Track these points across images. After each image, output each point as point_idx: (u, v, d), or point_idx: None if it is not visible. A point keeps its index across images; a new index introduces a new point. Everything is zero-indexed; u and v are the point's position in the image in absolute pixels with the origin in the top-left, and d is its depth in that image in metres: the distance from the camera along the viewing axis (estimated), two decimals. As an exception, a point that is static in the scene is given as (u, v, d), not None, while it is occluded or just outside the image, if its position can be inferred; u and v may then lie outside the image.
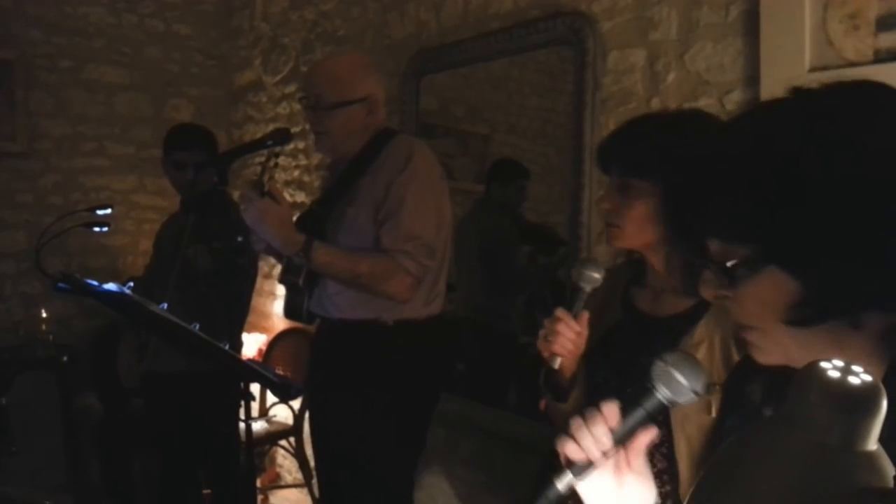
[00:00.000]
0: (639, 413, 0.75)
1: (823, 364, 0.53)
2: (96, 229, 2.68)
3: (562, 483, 0.76)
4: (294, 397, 2.83)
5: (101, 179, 3.95)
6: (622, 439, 0.76)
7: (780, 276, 0.63)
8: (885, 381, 0.59)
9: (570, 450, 0.76)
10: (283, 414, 3.48)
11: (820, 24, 1.62)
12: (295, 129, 2.27)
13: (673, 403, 0.75)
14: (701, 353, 1.13)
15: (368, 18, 3.15)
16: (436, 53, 2.75)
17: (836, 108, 0.64)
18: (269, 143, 1.91)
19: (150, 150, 4.06)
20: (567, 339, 1.16)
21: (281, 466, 3.83)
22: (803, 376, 0.54)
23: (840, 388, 0.51)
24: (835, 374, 0.52)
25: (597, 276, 1.17)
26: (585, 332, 1.18)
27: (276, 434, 3.41)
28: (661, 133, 1.21)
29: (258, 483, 3.56)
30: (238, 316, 2.60)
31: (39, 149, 3.77)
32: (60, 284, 1.80)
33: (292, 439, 3.41)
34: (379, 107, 1.98)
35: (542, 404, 1.03)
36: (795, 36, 1.65)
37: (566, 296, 1.20)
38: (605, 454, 0.75)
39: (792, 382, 0.55)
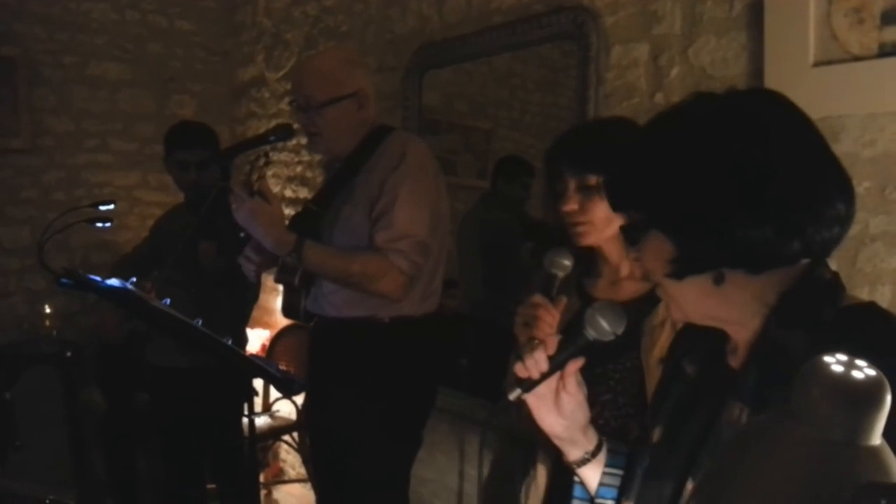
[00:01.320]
0: (571, 347, 0.96)
1: (826, 359, 0.53)
2: (99, 225, 2.68)
3: (513, 395, 0.96)
4: (297, 392, 2.83)
5: (104, 175, 3.96)
6: (558, 365, 0.95)
7: (660, 238, 0.81)
8: (757, 341, 0.79)
9: (518, 369, 0.96)
10: (286, 409, 3.50)
11: (824, 17, 1.62)
12: (297, 125, 2.26)
13: (597, 341, 0.95)
14: (666, 331, 1.25)
15: (370, 14, 3.14)
16: (438, 49, 2.74)
17: (714, 111, 0.81)
18: (272, 138, 1.91)
19: (153, 146, 4.06)
20: (547, 323, 1.24)
21: (284, 461, 3.84)
22: (806, 371, 0.53)
23: (843, 383, 0.51)
24: (838, 369, 0.52)
25: (567, 262, 1.27)
26: (558, 317, 1.27)
27: (280, 429, 3.42)
28: (607, 131, 1.37)
29: (261, 478, 3.57)
30: (242, 312, 2.61)
31: (43, 145, 3.78)
32: (63, 280, 1.80)
33: (295, 434, 3.42)
34: (369, 101, 1.97)
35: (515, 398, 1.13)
36: (800, 30, 1.64)
37: (541, 284, 1.29)
38: (543, 374, 0.95)
39: (795, 377, 0.55)
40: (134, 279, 1.86)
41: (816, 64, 1.61)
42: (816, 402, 0.52)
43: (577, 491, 1.05)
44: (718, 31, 1.87)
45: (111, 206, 2.70)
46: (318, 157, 3.54)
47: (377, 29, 3.11)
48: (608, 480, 1.00)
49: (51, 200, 3.73)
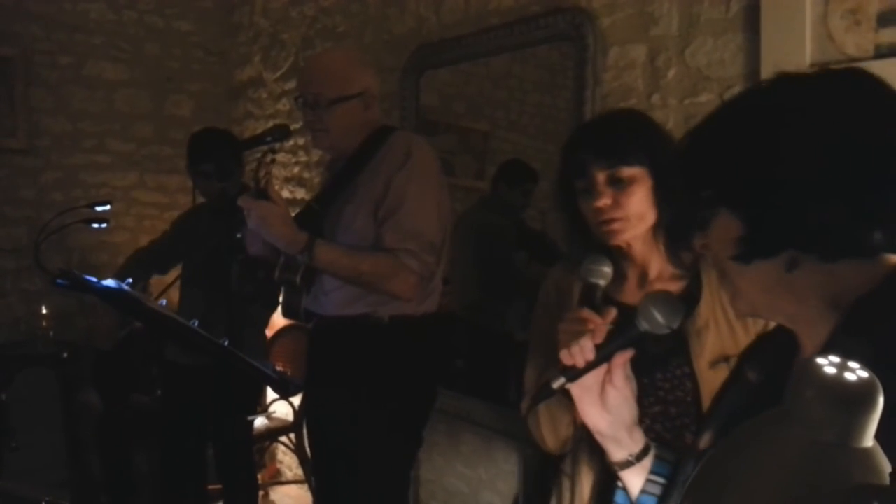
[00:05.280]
0: (621, 338, 0.92)
1: (820, 360, 0.53)
2: (95, 225, 2.68)
3: (556, 383, 0.93)
4: (294, 394, 2.84)
5: (101, 176, 3.96)
6: (605, 356, 0.92)
7: (729, 216, 0.76)
8: (830, 341, 0.71)
9: (563, 356, 0.93)
10: (283, 410, 3.49)
11: (821, 19, 1.62)
12: (294, 126, 2.26)
13: (649, 334, 0.90)
14: (712, 333, 1.17)
15: (368, 14, 3.14)
16: (436, 49, 2.74)
17: (802, 84, 0.77)
18: (269, 139, 1.91)
19: (150, 146, 4.06)
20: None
21: (281, 462, 3.84)
22: (800, 372, 0.53)
23: (836, 385, 0.51)
24: (831, 371, 0.52)
25: (607, 269, 1.15)
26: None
27: (277, 430, 3.42)
28: (633, 121, 1.30)
29: (259, 479, 3.57)
30: (238, 312, 2.59)
31: (40, 145, 3.77)
32: (59, 280, 1.80)
33: (293, 435, 3.42)
34: (375, 101, 1.98)
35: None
36: (796, 31, 1.64)
37: (583, 297, 1.17)
38: (588, 364, 0.91)
39: (789, 378, 0.55)
40: (130, 280, 1.86)
41: (813, 65, 1.62)
42: (809, 404, 0.52)
43: (618, 496, 0.99)
44: (715, 33, 1.87)
45: (107, 207, 2.71)
46: (315, 158, 3.54)
47: (375, 29, 3.11)
48: (651, 489, 0.93)
49: (48, 201, 3.73)
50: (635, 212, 1.22)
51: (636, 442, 0.95)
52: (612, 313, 1.10)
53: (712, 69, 1.88)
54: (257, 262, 2.16)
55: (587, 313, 1.08)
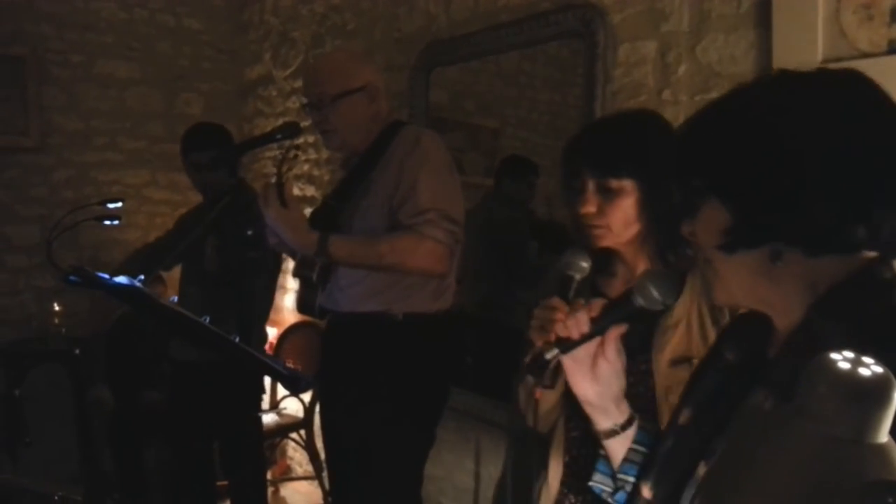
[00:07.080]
0: (616, 312, 0.95)
1: (833, 356, 0.52)
2: (107, 223, 2.70)
3: (550, 354, 0.96)
4: (304, 390, 2.84)
5: (113, 174, 3.98)
6: (600, 329, 0.95)
7: (718, 206, 0.78)
8: (795, 330, 0.75)
9: (559, 328, 0.98)
10: (293, 406, 3.50)
11: (833, 14, 1.61)
12: (304, 123, 2.27)
13: (646, 310, 0.93)
14: (679, 332, 1.22)
15: (378, 12, 3.15)
16: (446, 47, 2.74)
17: (800, 86, 0.79)
18: (279, 136, 1.91)
19: (161, 144, 4.08)
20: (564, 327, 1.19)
21: (291, 458, 3.86)
22: (813, 368, 0.53)
23: (850, 380, 0.51)
24: (845, 366, 0.51)
25: (585, 264, 1.21)
26: None
27: (287, 426, 3.43)
28: (631, 130, 1.29)
29: (269, 475, 3.58)
30: (249, 308, 2.61)
31: (52, 143, 3.80)
32: (72, 277, 1.81)
33: (303, 432, 3.43)
34: (380, 95, 1.98)
35: (538, 393, 1.12)
36: (808, 27, 1.63)
37: (558, 286, 1.23)
38: (583, 336, 0.95)
39: (802, 374, 0.55)
40: (143, 277, 1.87)
41: (825, 61, 1.60)
42: (823, 399, 0.52)
43: (600, 465, 1.05)
44: (726, 29, 1.86)
45: (119, 204, 2.72)
46: (325, 156, 3.55)
47: (384, 27, 3.11)
48: (633, 457, 0.99)
49: (60, 198, 3.76)
50: (618, 222, 1.26)
51: (622, 413, 1.00)
52: (579, 306, 1.18)
53: (723, 65, 1.87)
54: (226, 235, 2.15)
55: (557, 302, 1.17)
